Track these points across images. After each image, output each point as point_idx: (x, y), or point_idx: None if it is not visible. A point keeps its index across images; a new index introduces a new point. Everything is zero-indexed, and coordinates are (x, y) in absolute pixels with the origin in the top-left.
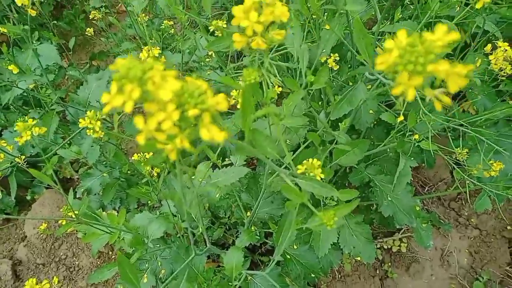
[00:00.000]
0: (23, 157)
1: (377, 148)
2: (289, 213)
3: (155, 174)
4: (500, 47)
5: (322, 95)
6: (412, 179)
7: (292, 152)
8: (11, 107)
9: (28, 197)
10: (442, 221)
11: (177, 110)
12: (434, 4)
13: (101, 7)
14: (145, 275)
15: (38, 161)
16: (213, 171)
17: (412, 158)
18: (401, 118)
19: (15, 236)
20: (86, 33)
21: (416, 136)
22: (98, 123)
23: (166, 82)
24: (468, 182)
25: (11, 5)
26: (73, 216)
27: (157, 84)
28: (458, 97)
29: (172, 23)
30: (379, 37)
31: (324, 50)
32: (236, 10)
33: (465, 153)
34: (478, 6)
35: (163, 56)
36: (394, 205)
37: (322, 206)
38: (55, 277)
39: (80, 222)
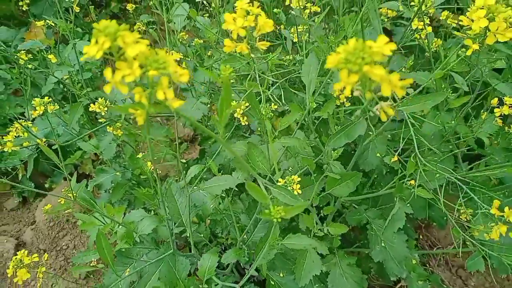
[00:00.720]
0: (44, 139)
1: (379, 192)
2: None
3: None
4: (506, 103)
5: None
6: (421, 237)
7: (283, 171)
8: (51, 99)
9: (47, 185)
10: (445, 286)
11: (141, 69)
12: (449, 58)
13: (149, 22)
14: (128, 269)
15: (62, 150)
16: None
17: (408, 205)
18: (395, 158)
19: (26, 219)
20: None
21: (412, 182)
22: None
23: (136, 44)
24: (468, 242)
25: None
26: (72, 197)
27: (126, 43)
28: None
29: (202, 41)
30: None
31: (334, 89)
32: (227, 17)
33: (469, 213)
34: (468, 53)
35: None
36: (387, 251)
37: (312, 235)
38: (46, 254)
39: (77, 203)
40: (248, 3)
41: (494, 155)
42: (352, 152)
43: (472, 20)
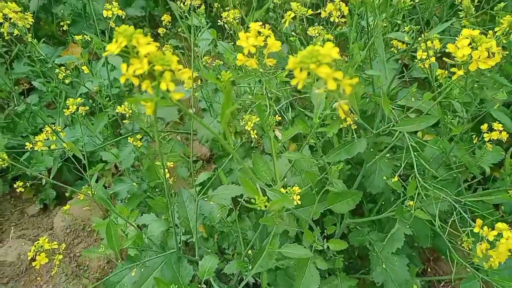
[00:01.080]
0: (69, 143)
1: (383, 215)
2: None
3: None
4: (494, 128)
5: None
6: (429, 270)
7: (284, 179)
8: (83, 99)
9: (67, 194)
10: None
11: (149, 65)
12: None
13: (176, 46)
14: (135, 269)
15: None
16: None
17: (408, 226)
18: (396, 179)
19: (45, 226)
20: None
21: (411, 203)
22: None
23: (147, 45)
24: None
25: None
26: (91, 194)
27: (139, 43)
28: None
29: (222, 62)
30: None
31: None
32: (242, 35)
33: (471, 242)
34: (454, 77)
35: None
36: (387, 273)
37: (313, 250)
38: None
39: (94, 200)
40: (261, 25)
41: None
42: (357, 174)
43: (458, 48)
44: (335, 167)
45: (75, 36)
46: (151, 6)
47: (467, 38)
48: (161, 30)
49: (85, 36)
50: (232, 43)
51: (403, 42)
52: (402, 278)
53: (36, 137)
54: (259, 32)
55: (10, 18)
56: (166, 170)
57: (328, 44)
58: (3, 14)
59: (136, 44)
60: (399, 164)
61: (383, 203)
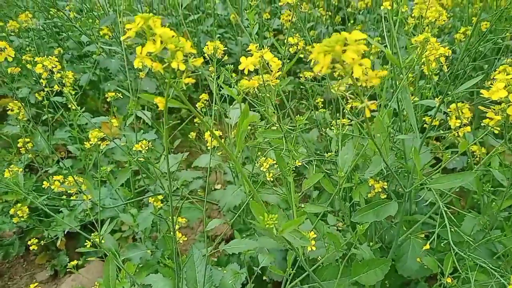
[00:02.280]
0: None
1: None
2: None
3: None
4: None
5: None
6: None
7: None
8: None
9: (80, 262)
10: None
11: (162, 45)
12: (488, 157)
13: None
14: None
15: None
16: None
17: None
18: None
19: None
20: (189, 135)
21: (449, 280)
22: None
23: (162, 29)
24: None
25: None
26: None
27: (155, 25)
28: None
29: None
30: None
31: (371, 172)
32: (243, 60)
33: None
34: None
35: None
36: None
37: None
38: None
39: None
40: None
41: None
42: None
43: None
44: (361, 226)
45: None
46: (191, 90)
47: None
48: (199, 105)
49: (117, 94)
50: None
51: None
52: None
53: (55, 176)
54: None
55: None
56: (180, 235)
57: (355, 31)
58: (43, 65)
59: (152, 24)
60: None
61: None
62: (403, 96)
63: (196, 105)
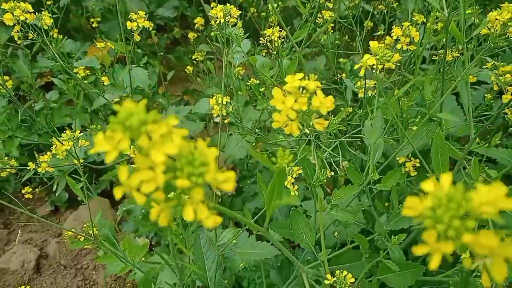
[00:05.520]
0: (81, 160)
1: (436, 277)
2: None
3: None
4: None
5: (392, 195)
6: None
7: (331, 249)
8: (100, 113)
9: (80, 198)
10: None
11: (167, 174)
12: None
13: (208, 52)
14: None
15: (100, 168)
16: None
17: None
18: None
19: (54, 230)
20: (186, 70)
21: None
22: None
23: (166, 141)
24: None
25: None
26: (93, 234)
27: (153, 142)
28: None
29: (258, 81)
30: (469, 157)
31: (404, 150)
32: (276, 92)
33: None
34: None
35: (231, 106)
36: None
37: None
38: None
39: (97, 243)
40: (302, 78)
41: None
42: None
43: None
44: (395, 238)
45: (97, 43)
46: (184, 6)
47: None
48: (191, 35)
49: (108, 44)
50: (265, 51)
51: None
52: None
53: (41, 156)
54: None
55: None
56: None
57: (497, 187)
58: (13, 15)
59: (146, 144)
60: None
61: None
62: (457, 73)
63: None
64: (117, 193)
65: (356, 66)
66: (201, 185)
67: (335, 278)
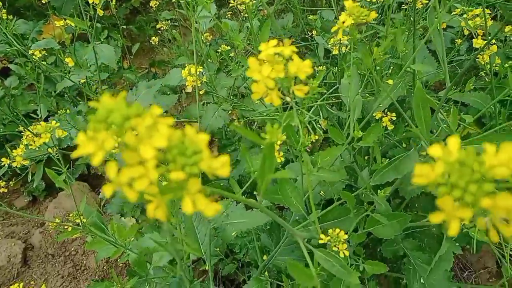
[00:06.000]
0: (55, 149)
1: (420, 222)
2: None
3: None
4: None
5: (370, 149)
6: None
7: (321, 208)
8: (66, 95)
9: (57, 185)
10: None
11: (159, 168)
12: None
13: (171, 19)
14: None
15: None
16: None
17: (458, 244)
18: None
19: (35, 220)
20: (151, 40)
21: (467, 221)
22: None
23: (153, 133)
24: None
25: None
26: (80, 223)
27: (140, 137)
28: None
29: (229, 47)
30: (444, 104)
31: (381, 105)
32: (252, 62)
33: None
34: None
35: (204, 76)
36: None
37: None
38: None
39: (86, 231)
40: (277, 45)
41: None
42: None
43: None
44: (382, 192)
45: (56, 21)
46: None
47: None
48: (153, 3)
49: (66, 21)
50: (231, 12)
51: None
52: None
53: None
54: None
55: None
56: None
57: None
58: None
59: (133, 141)
60: None
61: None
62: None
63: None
64: (107, 191)
65: (334, 29)
66: (197, 175)
67: (329, 237)
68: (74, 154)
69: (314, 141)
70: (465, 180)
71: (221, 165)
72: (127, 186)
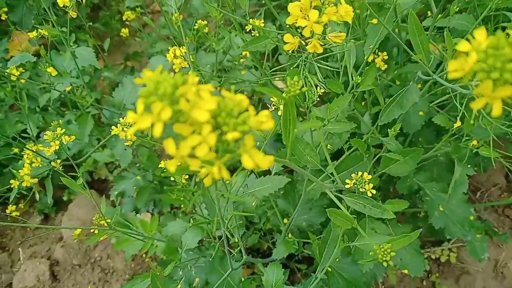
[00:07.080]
0: (58, 161)
1: (427, 153)
2: (333, 230)
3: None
4: None
5: (365, 94)
6: None
7: (334, 159)
8: (49, 108)
9: (65, 198)
10: (496, 229)
11: (214, 132)
12: None
13: (136, 7)
14: (179, 286)
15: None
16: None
17: (469, 166)
18: (458, 123)
19: (53, 237)
20: (121, 34)
21: (475, 142)
22: (131, 129)
23: (201, 99)
24: None
25: (51, 8)
26: (106, 224)
27: (191, 103)
28: None
29: (206, 22)
30: (432, 33)
31: (370, 47)
32: (292, 8)
33: None
34: None
35: (190, 56)
36: (447, 216)
37: (367, 217)
38: None
39: (113, 230)
40: None
41: None
42: None
43: None
44: (392, 130)
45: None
46: None
47: None
48: None
49: (40, 31)
50: None
51: None
52: (462, 216)
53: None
54: None
55: None
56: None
57: None
58: None
59: (186, 107)
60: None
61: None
62: None
63: None
64: (171, 167)
65: None
66: (249, 131)
67: (353, 180)
68: (130, 131)
69: (321, 94)
70: (501, 61)
71: (266, 119)
72: (188, 157)
